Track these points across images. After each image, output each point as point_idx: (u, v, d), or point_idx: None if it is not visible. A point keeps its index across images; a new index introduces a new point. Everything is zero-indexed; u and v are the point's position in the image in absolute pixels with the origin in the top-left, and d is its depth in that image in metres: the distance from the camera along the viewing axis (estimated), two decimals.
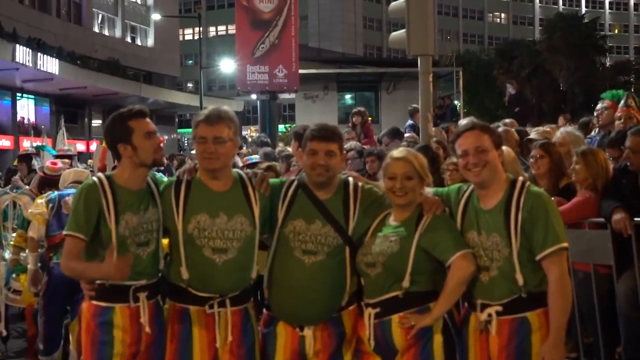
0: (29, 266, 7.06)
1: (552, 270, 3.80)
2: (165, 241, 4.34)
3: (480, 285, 3.97)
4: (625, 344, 5.81)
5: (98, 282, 4.06)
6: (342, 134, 4.48)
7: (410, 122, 13.34)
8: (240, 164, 8.46)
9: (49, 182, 7.77)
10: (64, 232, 4.08)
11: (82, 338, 4.12)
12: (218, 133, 4.12)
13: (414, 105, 12.48)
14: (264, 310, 4.38)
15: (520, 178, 4.10)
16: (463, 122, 4.25)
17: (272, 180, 4.43)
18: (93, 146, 9.76)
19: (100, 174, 4.25)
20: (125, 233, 4.05)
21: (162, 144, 4.19)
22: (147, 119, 4.19)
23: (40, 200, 7.01)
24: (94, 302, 4.10)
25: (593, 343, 6.25)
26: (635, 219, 5.59)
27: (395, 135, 10.19)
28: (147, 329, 4.09)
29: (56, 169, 7.92)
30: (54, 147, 13.55)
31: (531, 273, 3.86)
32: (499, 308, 3.89)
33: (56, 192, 6.96)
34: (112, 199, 4.05)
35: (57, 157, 8.44)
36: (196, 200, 4.18)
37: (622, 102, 8.61)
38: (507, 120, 10.58)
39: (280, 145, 13.48)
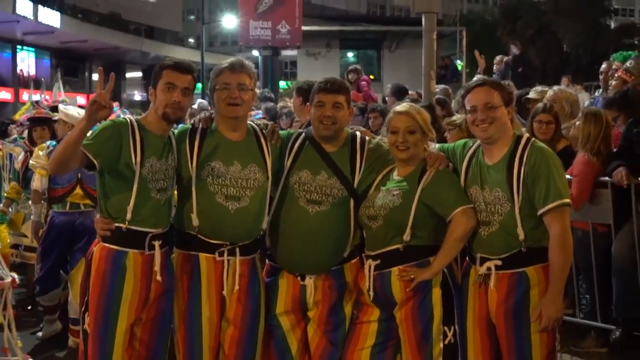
0: (32, 218, 7.00)
1: (553, 226, 3.82)
2: None
3: (480, 239, 4.00)
4: (617, 301, 5.87)
5: (115, 224, 4.06)
6: (350, 88, 4.48)
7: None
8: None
9: (38, 120, 7.55)
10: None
11: (91, 282, 4.08)
12: (241, 80, 4.19)
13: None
14: (267, 261, 4.41)
15: (526, 134, 4.13)
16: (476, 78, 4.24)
17: (280, 132, 4.45)
18: None
19: (129, 116, 4.29)
20: (148, 176, 4.05)
21: (181, 103, 4.11)
22: (180, 74, 4.13)
23: (41, 152, 6.71)
24: (107, 245, 4.09)
25: (590, 301, 6.32)
26: None
27: (395, 93, 10.13)
28: (159, 277, 4.10)
29: (42, 110, 7.72)
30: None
31: (532, 228, 3.88)
32: (498, 262, 3.92)
33: (55, 142, 6.64)
34: (140, 141, 4.06)
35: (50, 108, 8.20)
36: (211, 147, 4.20)
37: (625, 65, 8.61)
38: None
39: (284, 101, 13.41)
